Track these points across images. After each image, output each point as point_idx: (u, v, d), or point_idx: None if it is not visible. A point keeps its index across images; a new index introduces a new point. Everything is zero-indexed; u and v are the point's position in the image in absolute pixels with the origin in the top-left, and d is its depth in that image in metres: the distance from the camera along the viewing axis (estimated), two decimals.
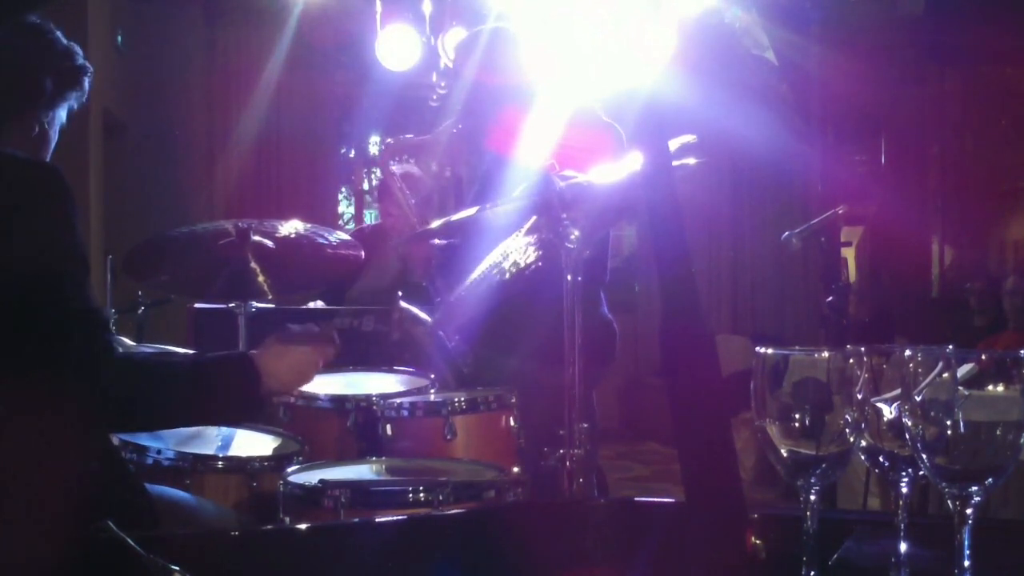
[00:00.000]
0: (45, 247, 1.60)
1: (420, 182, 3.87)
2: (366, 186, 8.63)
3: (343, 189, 8.69)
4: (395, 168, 3.69)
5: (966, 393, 0.91)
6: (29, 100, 1.81)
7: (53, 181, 1.63)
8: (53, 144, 1.88)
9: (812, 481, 1.02)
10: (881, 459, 1.03)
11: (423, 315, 2.59)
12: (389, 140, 3.91)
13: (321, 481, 1.93)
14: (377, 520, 1.75)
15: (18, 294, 1.55)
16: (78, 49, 1.87)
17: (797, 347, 1.04)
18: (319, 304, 3.92)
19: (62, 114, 1.89)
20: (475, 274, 2.40)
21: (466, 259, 2.63)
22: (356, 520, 1.83)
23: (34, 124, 1.82)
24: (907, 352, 0.95)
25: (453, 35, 5.49)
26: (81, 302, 1.62)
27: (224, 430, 2.49)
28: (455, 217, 2.56)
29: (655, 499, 1.38)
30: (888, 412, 1.01)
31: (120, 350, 1.80)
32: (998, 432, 0.91)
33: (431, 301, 3.00)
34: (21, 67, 1.80)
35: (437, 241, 2.49)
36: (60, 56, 1.84)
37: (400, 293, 3.07)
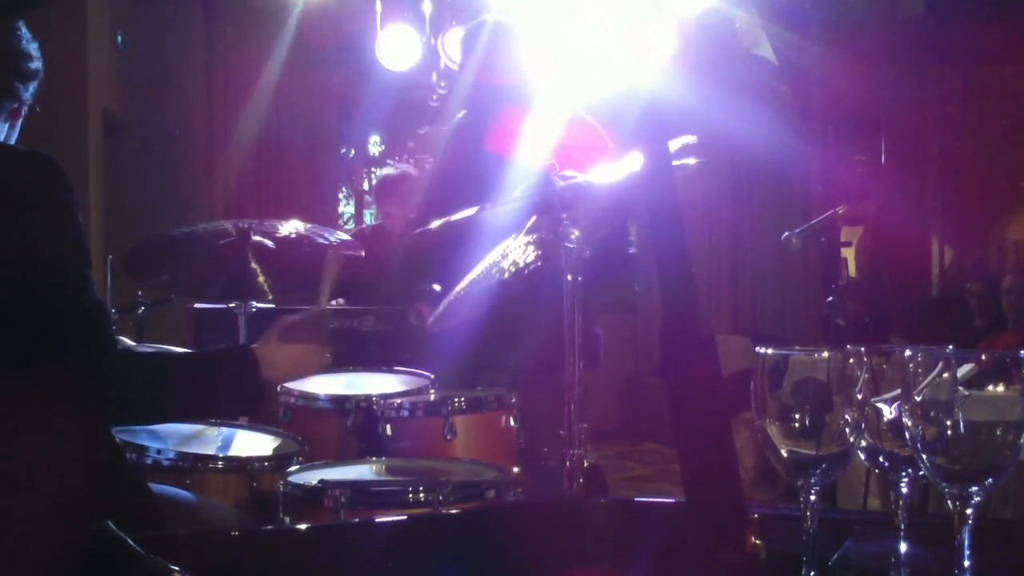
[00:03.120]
0: (46, 239, 1.60)
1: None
2: (366, 186, 8.63)
3: (343, 189, 8.69)
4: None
5: (966, 393, 0.91)
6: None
7: (52, 173, 1.62)
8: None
9: (812, 481, 1.02)
10: (881, 459, 1.03)
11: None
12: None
13: (321, 481, 1.93)
14: (377, 520, 1.75)
15: (19, 287, 1.54)
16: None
17: (797, 347, 1.04)
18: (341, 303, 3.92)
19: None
20: (473, 274, 2.40)
21: (466, 259, 2.63)
22: (356, 520, 1.83)
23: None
24: (907, 352, 0.95)
25: (453, 35, 5.50)
26: (83, 295, 1.61)
27: (224, 430, 2.49)
28: (455, 217, 2.56)
29: (655, 499, 1.38)
30: (888, 412, 1.01)
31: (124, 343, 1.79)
32: (998, 432, 0.91)
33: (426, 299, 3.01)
34: None
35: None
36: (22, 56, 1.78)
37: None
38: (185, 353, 2.17)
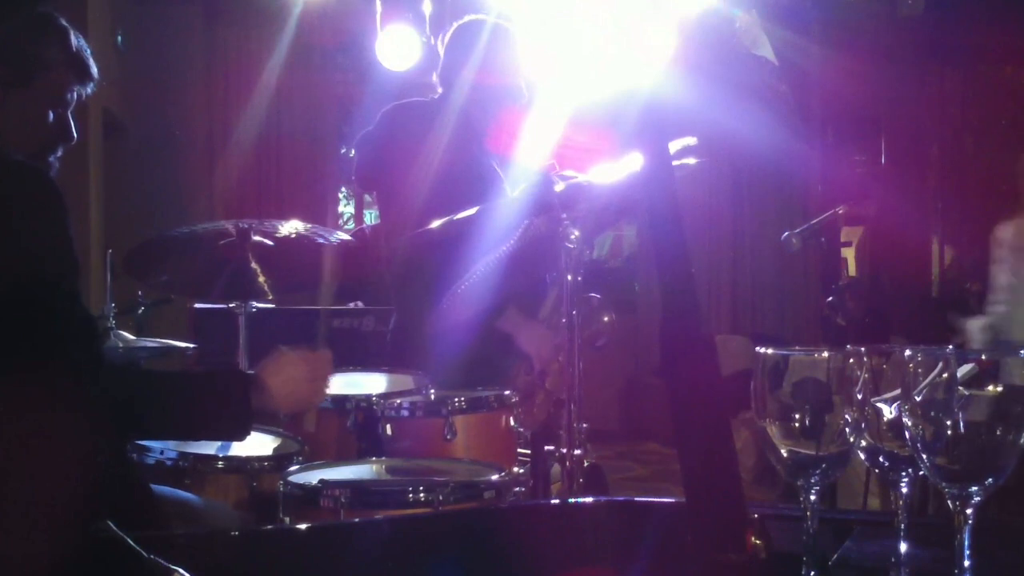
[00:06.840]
0: (36, 253, 1.58)
1: None
2: None
3: (343, 189, 8.69)
4: None
5: (966, 393, 0.91)
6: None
7: (44, 186, 1.62)
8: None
9: (812, 481, 1.02)
10: (881, 459, 1.03)
11: None
12: None
13: (321, 481, 1.93)
14: (377, 520, 1.75)
15: (8, 300, 1.54)
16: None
17: (797, 347, 1.04)
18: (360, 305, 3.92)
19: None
20: (473, 273, 2.40)
21: (466, 259, 2.63)
22: (356, 520, 1.82)
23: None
24: (907, 352, 0.95)
25: None
26: (72, 310, 1.61)
27: None
28: (455, 217, 2.56)
29: (655, 499, 1.38)
30: (888, 412, 1.01)
31: (120, 346, 1.79)
32: (998, 432, 0.91)
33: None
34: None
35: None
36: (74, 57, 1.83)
37: None
38: (178, 372, 2.16)
